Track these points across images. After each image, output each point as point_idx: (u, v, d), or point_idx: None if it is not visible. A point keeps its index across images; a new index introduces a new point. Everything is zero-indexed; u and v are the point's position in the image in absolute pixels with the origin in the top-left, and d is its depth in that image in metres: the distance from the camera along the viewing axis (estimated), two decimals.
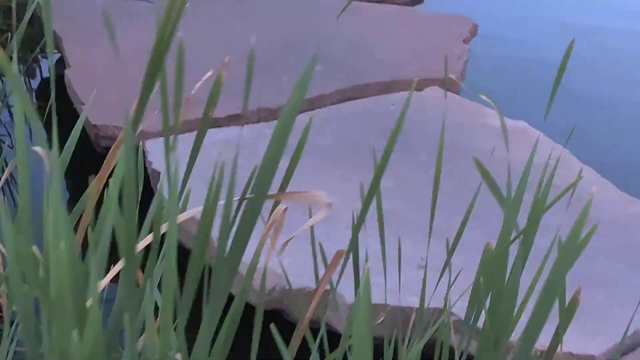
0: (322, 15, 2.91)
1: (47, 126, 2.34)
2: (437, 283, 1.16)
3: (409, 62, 2.61)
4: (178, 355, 0.88)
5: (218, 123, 2.20)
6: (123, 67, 2.37)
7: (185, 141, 2.10)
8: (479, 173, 2.11)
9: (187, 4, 2.57)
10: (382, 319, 1.61)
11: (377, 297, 1.64)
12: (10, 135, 2.39)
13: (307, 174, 2.02)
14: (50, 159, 0.76)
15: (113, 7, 2.81)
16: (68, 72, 2.34)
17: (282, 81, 2.42)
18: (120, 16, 2.75)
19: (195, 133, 2.12)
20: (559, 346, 1.18)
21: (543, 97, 2.88)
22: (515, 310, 1.08)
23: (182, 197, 1.04)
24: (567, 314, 1.06)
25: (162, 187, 0.88)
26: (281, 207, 0.90)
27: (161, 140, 2.06)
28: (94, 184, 0.99)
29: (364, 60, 2.60)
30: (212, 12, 2.86)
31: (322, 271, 1.70)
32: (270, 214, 0.93)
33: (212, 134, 2.12)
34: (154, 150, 2.02)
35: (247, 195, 0.82)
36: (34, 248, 0.85)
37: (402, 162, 2.11)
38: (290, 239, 0.96)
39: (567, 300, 1.06)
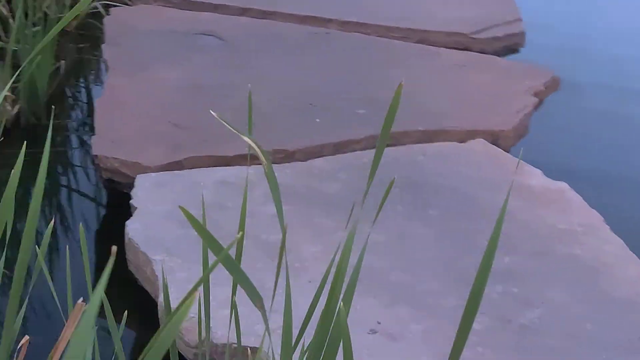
0: (391, 62, 2.78)
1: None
2: None
3: (461, 112, 2.43)
4: None
5: (226, 161, 2.11)
6: (151, 101, 2.34)
7: (185, 177, 2.03)
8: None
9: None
10: None
11: None
12: None
13: (296, 221, 1.89)
14: None
15: (177, 41, 2.80)
16: (97, 102, 2.33)
17: (314, 123, 2.31)
18: (180, 50, 2.73)
19: (196, 170, 2.05)
20: None
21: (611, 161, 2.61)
22: None
23: None
24: None
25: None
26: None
27: (154, 175, 2.00)
28: None
29: (413, 107, 2.44)
30: (271, 58, 2.79)
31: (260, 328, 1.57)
32: None
33: (210, 173, 2.03)
34: (141, 184, 1.95)
35: None
36: None
37: (407, 216, 1.95)
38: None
39: None
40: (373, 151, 2.23)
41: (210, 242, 0.74)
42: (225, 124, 0.85)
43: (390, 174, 2.11)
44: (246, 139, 0.83)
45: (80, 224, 1.05)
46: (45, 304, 1.83)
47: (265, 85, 2.52)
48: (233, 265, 0.81)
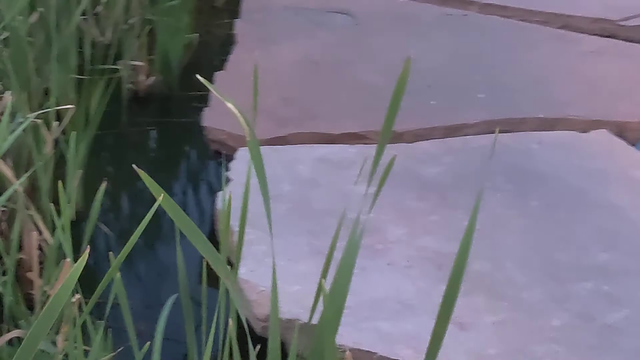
0: (524, 46, 2.68)
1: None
2: None
3: (588, 101, 2.32)
4: None
5: (331, 139, 2.10)
6: (268, 76, 2.36)
7: (286, 152, 2.04)
8: (592, 230, 1.81)
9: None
10: None
11: (370, 344, 1.47)
12: None
13: (386, 202, 1.86)
14: None
15: (308, 18, 2.81)
16: (217, 74, 2.38)
17: (428, 105, 2.27)
18: (308, 27, 2.74)
19: (298, 146, 2.06)
20: None
21: None
22: None
23: None
24: None
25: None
26: None
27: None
28: None
29: (536, 93, 2.35)
30: (397, 38, 2.76)
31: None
32: None
33: (311, 150, 2.03)
34: (241, 157, 1.98)
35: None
36: None
37: (505, 204, 1.87)
38: None
39: None
40: (485, 136, 2.18)
41: (154, 188, 0.74)
42: (211, 88, 0.85)
43: (498, 161, 2.06)
44: (229, 105, 0.82)
45: None
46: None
47: (384, 64, 2.49)
48: (179, 215, 0.80)
